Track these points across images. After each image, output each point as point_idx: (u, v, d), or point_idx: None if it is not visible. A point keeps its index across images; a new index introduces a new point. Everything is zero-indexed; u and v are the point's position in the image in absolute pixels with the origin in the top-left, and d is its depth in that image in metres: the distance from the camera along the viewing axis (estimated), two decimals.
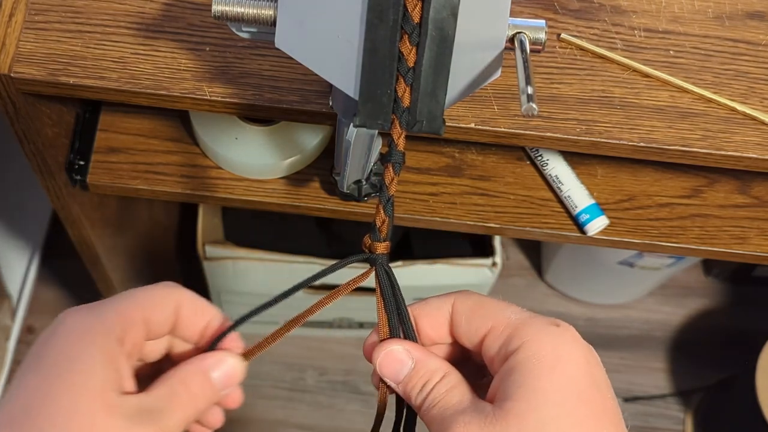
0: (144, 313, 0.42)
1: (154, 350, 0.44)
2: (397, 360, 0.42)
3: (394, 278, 0.43)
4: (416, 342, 0.43)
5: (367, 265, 0.43)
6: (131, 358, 0.41)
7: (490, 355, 0.40)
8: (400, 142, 0.41)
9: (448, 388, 0.41)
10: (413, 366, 0.42)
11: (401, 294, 0.43)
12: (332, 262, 0.44)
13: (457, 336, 0.42)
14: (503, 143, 0.60)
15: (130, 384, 0.40)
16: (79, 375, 0.38)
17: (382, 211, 0.42)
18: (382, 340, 0.43)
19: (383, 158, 0.43)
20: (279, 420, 1.27)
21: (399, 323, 0.43)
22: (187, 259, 1.25)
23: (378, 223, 0.42)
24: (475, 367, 0.43)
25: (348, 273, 0.44)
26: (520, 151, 0.73)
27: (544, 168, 0.71)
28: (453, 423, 0.38)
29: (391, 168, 0.41)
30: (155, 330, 0.43)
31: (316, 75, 0.43)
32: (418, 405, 0.41)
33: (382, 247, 0.42)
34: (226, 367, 0.43)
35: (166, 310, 0.43)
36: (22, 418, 0.37)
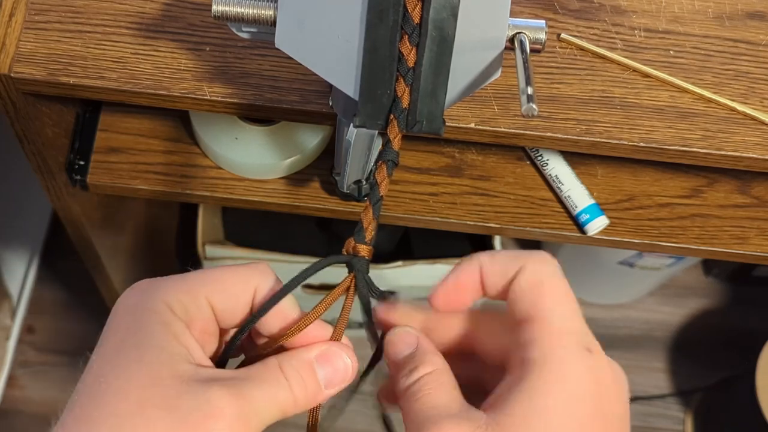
0: (208, 296, 0.38)
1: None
2: (403, 340, 0.40)
3: (374, 287, 0.41)
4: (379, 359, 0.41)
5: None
6: (208, 337, 0.39)
7: (516, 315, 0.39)
8: (396, 142, 0.40)
9: (437, 384, 0.38)
10: (414, 350, 0.40)
11: (370, 309, 0.41)
12: None
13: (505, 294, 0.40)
14: (503, 143, 0.60)
15: (202, 359, 0.37)
16: (139, 351, 0.36)
17: (370, 212, 0.39)
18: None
19: (377, 157, 0.42)
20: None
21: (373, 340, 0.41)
22: (187, 259, 1.25)
23: (365, 224, 0.39)
24: (482, 387, 0.41)
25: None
26: (520, 151, 0.73)
27: (544, 168, 0.71)
28: (438, 425, 0.36)
29: (384, 167, 0.40)
30: (226, 317, 0.39)
31: (316, 75, 0.43)
32: (403, 389, 0.39)
33: (365, 251, 0.39)
34: (335, 362, 0.39)
35: (240, 299, 0.39)
36: (86, 401, 0.36)
